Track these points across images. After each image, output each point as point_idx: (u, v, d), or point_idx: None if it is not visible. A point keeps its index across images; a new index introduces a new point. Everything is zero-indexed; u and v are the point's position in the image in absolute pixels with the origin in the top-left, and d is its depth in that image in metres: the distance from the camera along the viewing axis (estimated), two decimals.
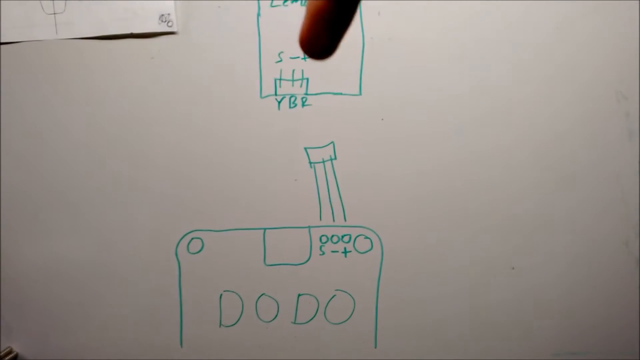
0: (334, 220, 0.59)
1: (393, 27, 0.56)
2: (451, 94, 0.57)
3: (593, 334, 0.61)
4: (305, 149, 0.58)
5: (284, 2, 0.54)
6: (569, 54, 0.57)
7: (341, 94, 0.56)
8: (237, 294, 0.60)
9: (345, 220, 0.59)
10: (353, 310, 0.61)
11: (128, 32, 0.55)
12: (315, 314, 0.61)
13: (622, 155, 0.58)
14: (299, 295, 0.61)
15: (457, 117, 0.57)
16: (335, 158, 0.58)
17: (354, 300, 0.61)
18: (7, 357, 0.59)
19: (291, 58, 0.56)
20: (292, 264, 0.60)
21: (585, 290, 0.61)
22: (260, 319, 0.61)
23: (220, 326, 0.61)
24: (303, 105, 0.57)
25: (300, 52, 0.55)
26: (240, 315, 0.61)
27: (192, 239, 0.59)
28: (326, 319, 0.61)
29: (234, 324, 0.61)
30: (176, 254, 0.59)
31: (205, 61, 0.56)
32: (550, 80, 0.57)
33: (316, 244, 0.59)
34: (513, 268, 0.60)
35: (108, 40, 0.55)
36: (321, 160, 0.58)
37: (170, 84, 0.56)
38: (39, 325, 0.61)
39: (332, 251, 0.60)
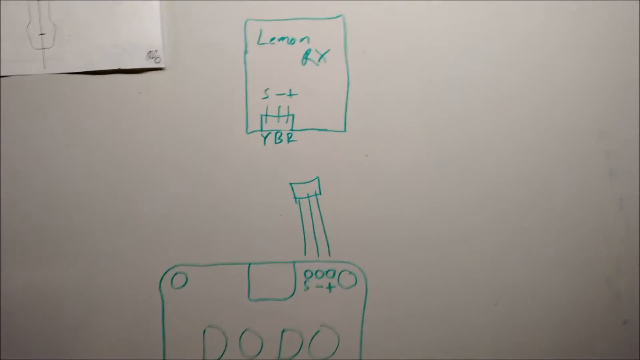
0: (318, 256, 0.59)
1: (377, 66, 0.57)
2: (435, 131, 0.58)
3: None
4: (291, 184, 0.58)
5: (270, 40, 0.55)
6: (549, 92, 0.58)
7: (326, 130, 0.57)
8: (220, 329, 0.60)
9: (329, 255, 0.59)
10: (337, 346, 0.60)
11: (116, 67, 0.55)
12: (300, 350, 0.60)
13: (603, 193, 0.59)
14: (283, 330, 0.60)
15: (441, 154, 0.58)
16: (320, 193, 0.58)
17: (338, 335, 0.60)
18: None
19: (277, 95, 0.56)
20: (277, 299, 0.60)
21: (567, 327, 0.61)
22: (244, 355, 0.60)
23: None
24: (289, 140, 0.57)
25: (286, 89, 0.56)
26: (224, 351, 0.60)
27: (176, 273, 0.59)
28: (310, 354, 0.61)
29: (218, 359, 0.60)
30: (160, 289, 0.59)
31: (192, 97, 0.56)
32: (532, 118, 0.58)
33: (301, 279, 0.59)
34: (496, 304, 0.60)
35: (96, 75, 0.56)
36: (306, 196, 0.58)
37: (157, 118, 0.57)
38: (15, 355, 0.60)
39: (317, 286, 0.60)
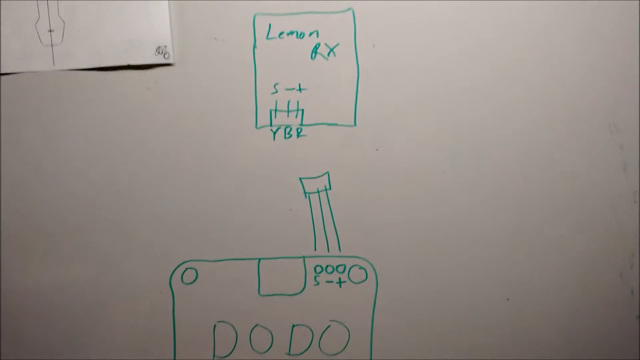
0: (328, 251, 0.59)
1: (387, 59, 0.56)
2: (445, 124, 0.57)
3: None
4: (300, 179, 0.58)
5: (279, 35, 0.55)
6: (562, 88, 0.57)
7: (336, 124, 0.57)
8: (231, 324, 0.60)
9: (339, 250, 0.59)
10: (348, 341, 0.60)
11: (125, 63, 0.55)
12: (310, 345, 0.60)
13: (617, 187, 0.59)
14: (294, 325, 0.60)
15: (452, 148, 0.58)
16: (330, 188, 0.58)
17: (348, 331, 0.60)
18: None
19: (286, 89, 0.56)
20: (287, 295, 0.59)
21: (580, 321, 0.60)
22: (255, 350, 0.60)
23: (213, 358, 0.60)
24: (298, 135, 0.57)
25: (295, 84, 0.56)
26: (234, 346, 0.60)
27: (187, 269, 0.59)
28: (321, 350, 0.60)
29: (228, 355, 0.60)
30: (170, 285, 0.59)
31: (201, 92, 0.56)
32: (544, 112, 0.58)
33: (311, 274, 0.59)
34: (508, 299, 0.60)
35: (105, 71, 0.56)
36: (316, 191, 0.58)
37: (166, 114, 0.56)
38: (28, 355, 0.60)
39: (327, 281, 0.59)
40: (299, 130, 0.57)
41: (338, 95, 0.56)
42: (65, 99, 0.56)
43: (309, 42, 0.55)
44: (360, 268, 0.59)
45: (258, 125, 0.57)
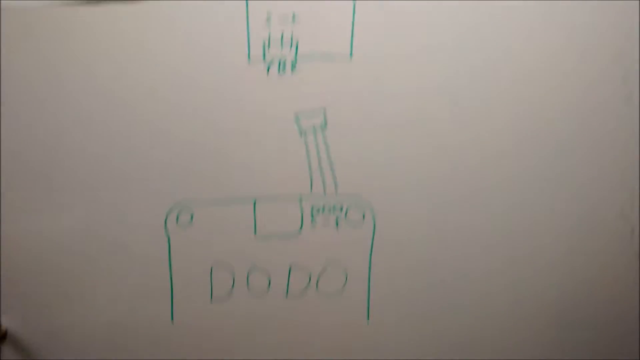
0: (324, 190, 0.57)
1: None
2: (447, 56, 0.55)
3: (591, 303, 0.61)
4: (296, 116, 0.56)
5: None
6: (567, 19, 0.55)
7: (332, 56, 0.54)
8: (228, 267, 0.59)
9: (336, 190, 0.58)
10: (345, 282, 0.60)
11: None
12: (307, 286, 0.60)
13: (619, 121, 0.57)
14: (291, 267, 0.59)
15: (453, 82, 0.56)
16: (326, 125, 0.56)
17: (346, 271, 0.59)
18: None
19: (280, 19, 0.53)
20: (283, 235, 0.58)
21: (580, 260, 0.60)
22: (252, 292, 0.60)
23: (211, 300, 0.60)
24: (293, 69, 0.55)
25: (289, 12, 0.53)
26: (232, 289, 0.60)
27: (181, 211, 0.57)
28: (318, 291, 0.60)
29: (226, 297, 0.60)
30: (165, 227, 0.58)
31: (191, 23, 0.54)
32: (548, 45, 0.55)
33: (307, 214, 0.58)
34: (510, 242, 0.59)
35: (93, 2, 0.53)
36: (312, 128, 0.56)
37: (156, 47, 0.54)
38: (27, 300, 0.59)
39: (324, 221, 0.58)
40: (294, 63, 0.54)
41: (334, 25, 0.54)
42: (49, 34, 0.54)
43: None
44: (358, 208, 0.58)
45: (250, 59, 0.54)
